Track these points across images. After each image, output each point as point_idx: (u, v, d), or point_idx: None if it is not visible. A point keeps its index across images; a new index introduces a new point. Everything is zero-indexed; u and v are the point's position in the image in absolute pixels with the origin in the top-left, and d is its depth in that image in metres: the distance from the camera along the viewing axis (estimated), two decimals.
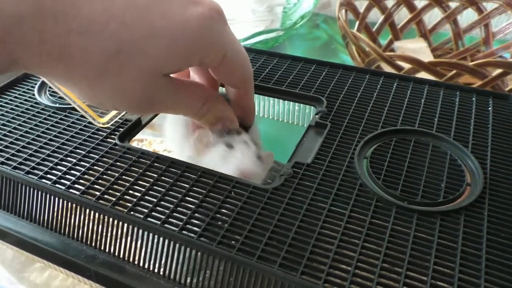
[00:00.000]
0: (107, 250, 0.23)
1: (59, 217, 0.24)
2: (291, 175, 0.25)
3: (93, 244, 0.24)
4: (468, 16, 0.66)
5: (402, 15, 0.66)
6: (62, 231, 0.24)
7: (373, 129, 0.28)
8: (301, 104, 0.34)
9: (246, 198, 0.23)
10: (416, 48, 0.64)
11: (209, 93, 0.26)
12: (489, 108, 0.30)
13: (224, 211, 0.23)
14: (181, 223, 0.22)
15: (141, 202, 0.23)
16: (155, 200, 0.23)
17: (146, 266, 0.23)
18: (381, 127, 0.28)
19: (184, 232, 0.22)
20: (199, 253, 0.21)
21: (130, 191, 0.24)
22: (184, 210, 0.23)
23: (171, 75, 0.23)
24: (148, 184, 0.24)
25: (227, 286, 0.21)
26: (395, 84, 0.33)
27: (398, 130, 0.28)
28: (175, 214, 0.23)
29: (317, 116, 0.30)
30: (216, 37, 0.22)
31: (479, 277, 0.19)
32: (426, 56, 0.62)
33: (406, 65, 0.49)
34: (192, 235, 0.21)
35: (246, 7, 0.62)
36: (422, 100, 0.31)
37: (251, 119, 0.29)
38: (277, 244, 0.21)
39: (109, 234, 0.23)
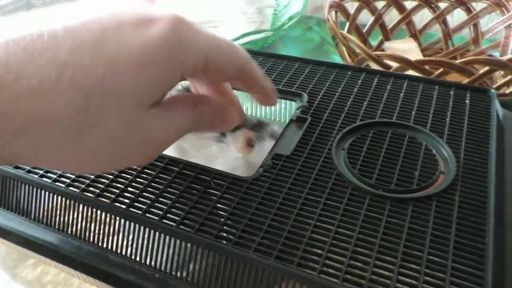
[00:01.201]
0: (91, 241, 0.24)
1: (45, 210, 0.25)
2: (271, 166, 0.25)
3: (78, 235, 0.24)
4: (457, 16, 0.67)
5: (393, 16, 0.67)
6: (48, 223, 0.25)
7: (352, 122, 0.29)
8: (287, 101, 0.35)
9: (225, 188, 0.24)
10: (406, 48, 0.65)
11: (196, 96, 0.24)
12: (466, 101, 0.31)
13: (204, 201, 0.23)
14: (161, 213, 0.23)
15: (124, 194, 0.24)
16: (137, 191, 0.24)
17: (128, 254, 0.23)
18: (359, 120, 0.29)
19: (164, 221, 0.22)
20: (177, 241, 0.22)
21: (114, 183, 0.25)
22: (166, 201, 0.23)
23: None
24: (131, 176, 0.25)
25: (206, 271, 0.21)
26: (375, 80, 0.34)
27: (376, 122, 0.29)
28: (156, 204, 0.23)
29: (298, 110, 0.30)
30: (187, 46, 0.19)
31: (447, 258, 0.20)
32: (416, 56, 0.62)
33: (394, 64, 0.50)
34: (172, 223, 0.22)
35: (236, 9, 0.63)
36: (401, 94, 0.32)
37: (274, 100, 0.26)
38: (254, 230, 0.22)
39: (93, 225, 0.24)
